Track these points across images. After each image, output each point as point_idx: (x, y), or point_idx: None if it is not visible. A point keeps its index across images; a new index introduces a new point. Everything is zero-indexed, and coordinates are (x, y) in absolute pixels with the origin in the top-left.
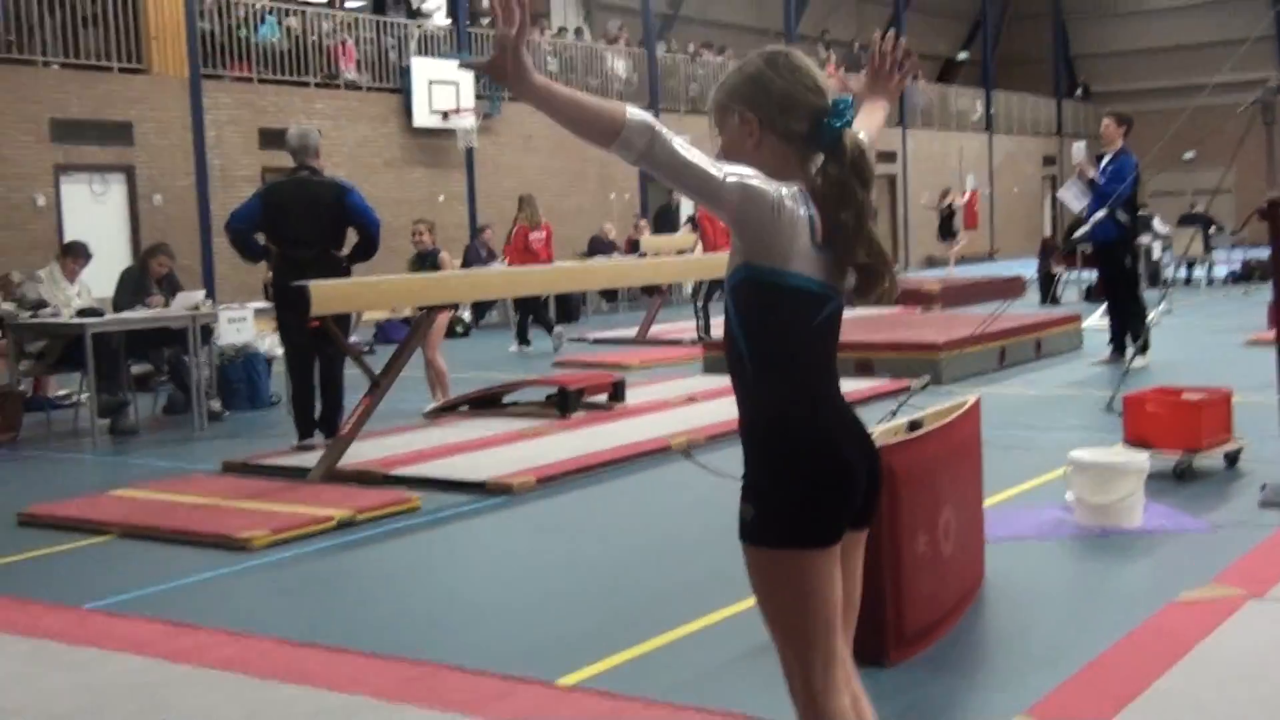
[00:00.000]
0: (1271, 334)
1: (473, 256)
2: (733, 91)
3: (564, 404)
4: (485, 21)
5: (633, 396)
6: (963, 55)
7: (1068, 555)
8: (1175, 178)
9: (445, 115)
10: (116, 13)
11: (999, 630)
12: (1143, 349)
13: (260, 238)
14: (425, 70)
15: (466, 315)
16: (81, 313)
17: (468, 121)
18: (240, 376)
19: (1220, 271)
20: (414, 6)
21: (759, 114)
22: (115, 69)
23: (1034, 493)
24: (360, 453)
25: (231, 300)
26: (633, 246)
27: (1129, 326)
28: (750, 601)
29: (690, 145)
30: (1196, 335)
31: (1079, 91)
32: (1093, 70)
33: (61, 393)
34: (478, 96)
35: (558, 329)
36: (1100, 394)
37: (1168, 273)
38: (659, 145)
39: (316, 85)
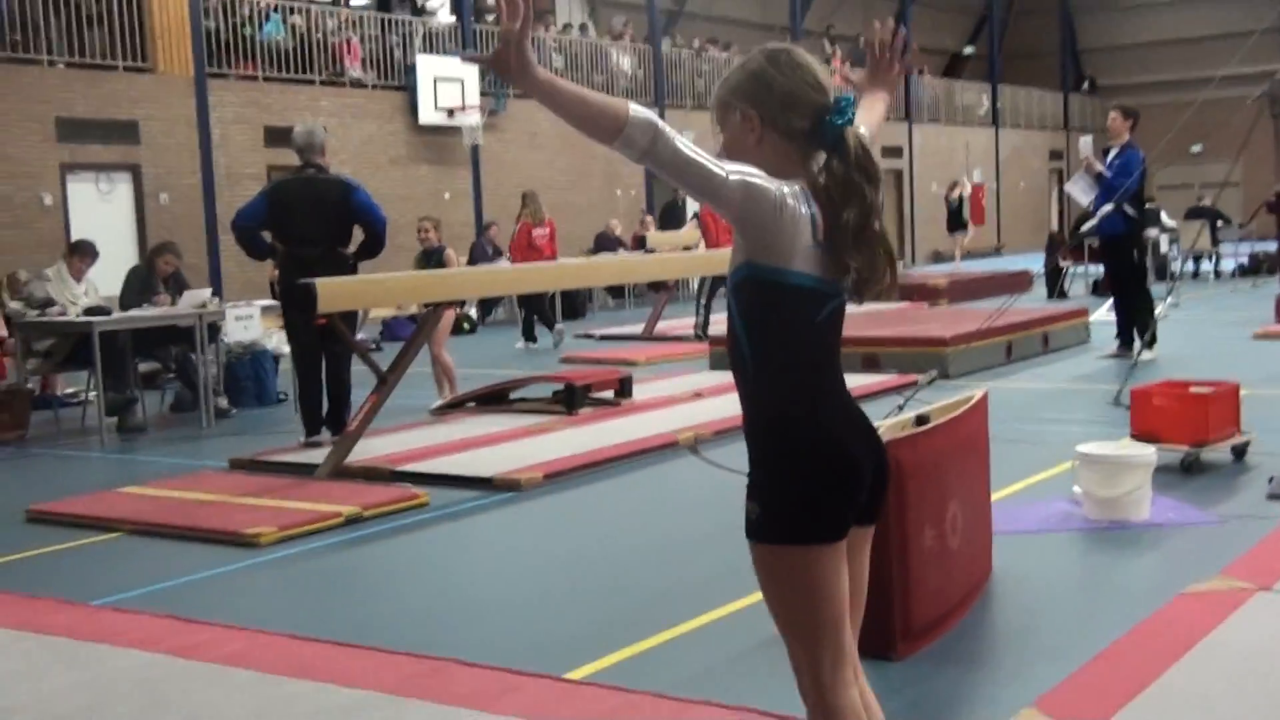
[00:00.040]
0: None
1: (479, 254)
2: (735, 89)
3: (571, 400)
4: (490, 18)
5: (639, 392)
6: (969, 49)
7: (1075, 549)
8: (1182, 171)
9: (450, 112)
10: (121, 12)
11: (1006, 623)
12: (1150, 343)
13: (266, 236)
14: (430, 67)
15: (473, 312)
16: (89, 311)
17: (473, 118)
18: (247, 374)
19: (1228, 265)
20: (419, 4)
21: (761, 111)
22: (120, 68)
23: (1041, 486)
24: (367, 449)
25: (238, 298)
26: (639, 243)
27: (1136, 320)
28: (757, 596)
29: (693, 143)
30: (1204, 329)
31: (1085, 85)
32: (1099, 64)
33: (69, 391)
34: (483, 93)
35: (559, 326)
36: (1107, 388)
37: (1175, 266)
38: (662, 143)
39: (322, 83)
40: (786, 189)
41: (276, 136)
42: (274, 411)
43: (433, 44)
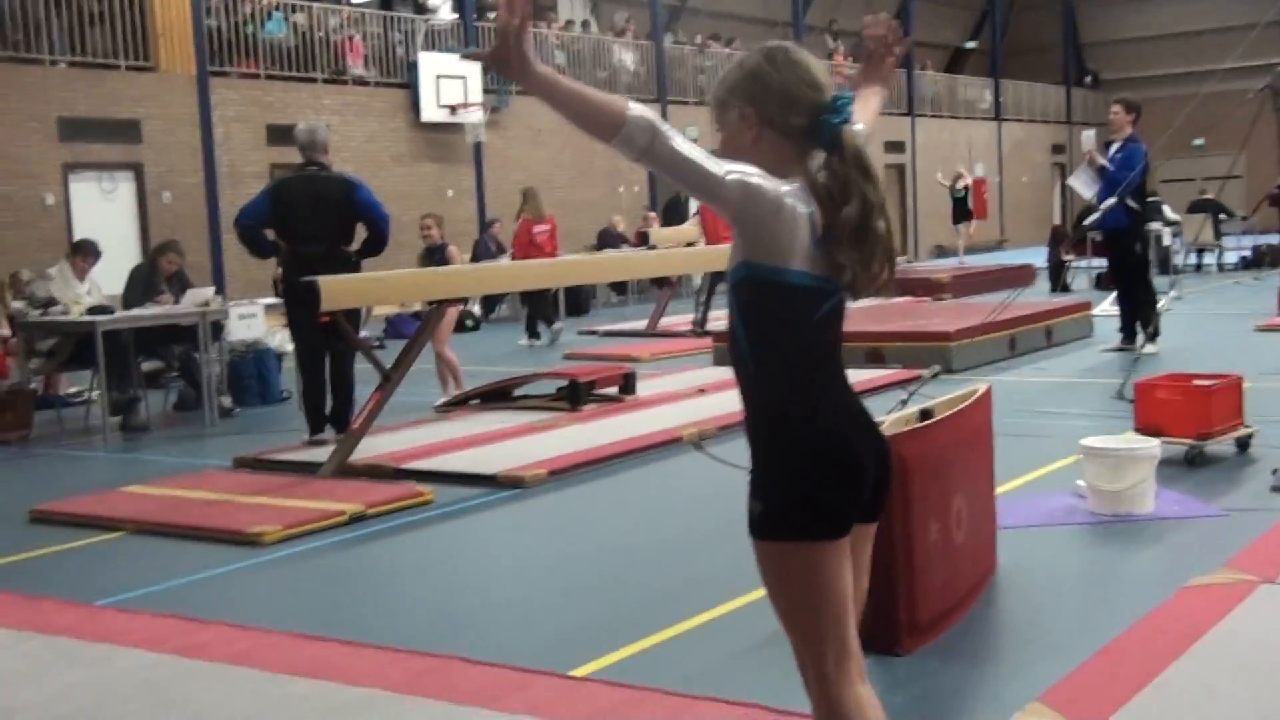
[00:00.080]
0: None
1: (482, 251)
2: (733, 87)
3: (575, 397)
4: (492, 15)
5: (643, 389)
6: (971, 44)
7: (1080, 542)
8: (1185, 164)
9: (453, 110)
10: (123, 11)
11: (1011, 618)
12: (1153, 336)
13: (269, 234)
14: (433, 65)
15: (476, 310)
16: (92, 310)
17: (475, 116)
18: (251, 372)
19: (1231, 258)
20: (421, 1)
21: (758, 110)
22: (122, 67)
23: (1045, 480)
24: (371, 447)
25: (241, 296)
26: (642, 239)
27: (1139, 314)
28: (762, 592)
29: (692, 143)
30: (1207, 321)
31: (1088, 79)
32: (1102, 58)
33: (72, 390)
34: (485, 90)
35: (557, 324)
36: (1111, 381)
37: (1178, 259)
38: (660, 142)
39: (324, 81)
40: (785, 188)
41: (279, 135)
42: (277, 410)
43: (435, 41)
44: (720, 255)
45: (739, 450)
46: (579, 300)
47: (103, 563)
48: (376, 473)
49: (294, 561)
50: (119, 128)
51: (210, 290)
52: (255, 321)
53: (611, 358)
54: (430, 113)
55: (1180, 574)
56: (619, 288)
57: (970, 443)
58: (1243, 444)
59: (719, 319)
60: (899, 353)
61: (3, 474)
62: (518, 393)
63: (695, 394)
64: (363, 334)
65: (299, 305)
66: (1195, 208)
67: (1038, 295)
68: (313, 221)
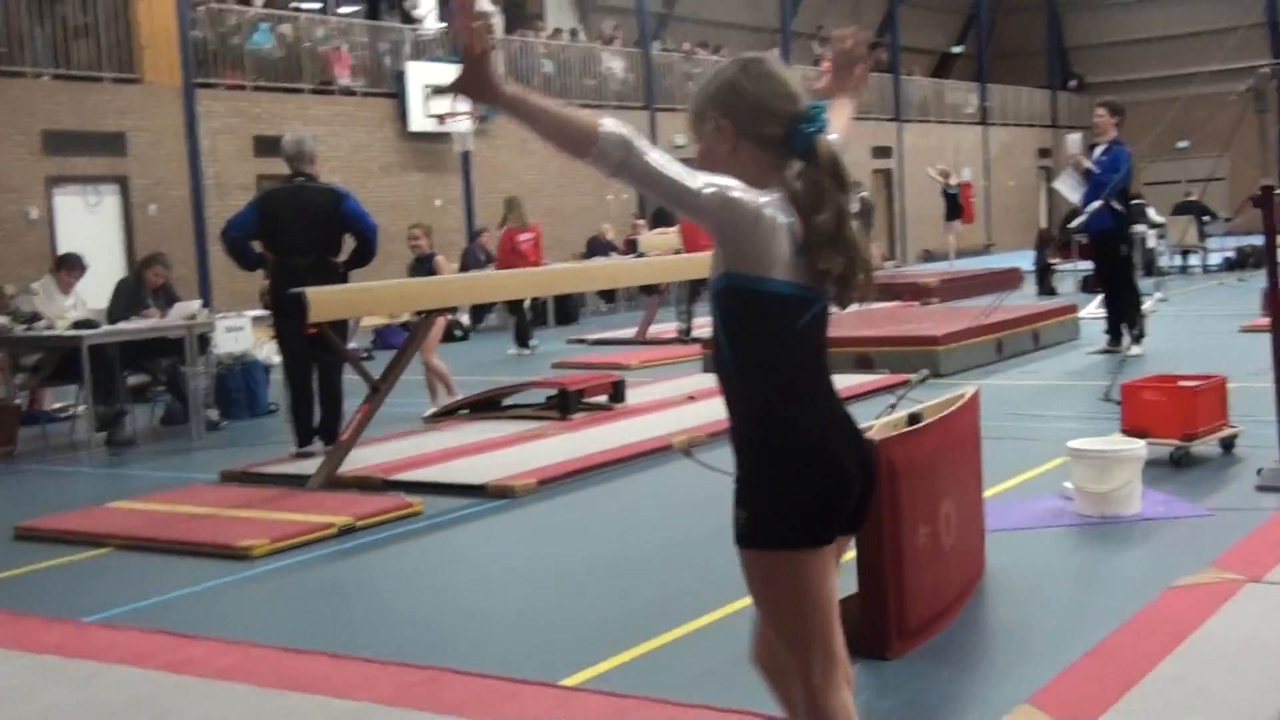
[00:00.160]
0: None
1: (470, 260)
2: (708, 99)
3: (564, 405)
4: (477, 25)
5: (633, 396)
6: (957, 49)
7: (1067, 544)
8: (1169, 167)
9: (441, 119)
10: (108, 23)
11: (1000, 620)
12: (1138, 338)
13: (257, 246)
14: (420, 75)
15: (465, 319)
16: (77, 325)
17: (463, 125)
18: (238, 385)
19: (1215, 259)
20: (408, 11)
21: (734, 121)
22: (107, 79)
23: (1033, 483)
24: (360, 459)
25: (228, 309)
26: (630, 247)
27: (1125, 315)
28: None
29: (668, 156)
30: (1192, 323)
31: (1073, 83)
32: (1086, 61)
33: (57, 406)
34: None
35: (533, 343)
36: (1097, 383)
37: (1163, 261)
38: (634, 157)
39: (311, 92)
40: (764, 199)
41: (266, 146)
42: (265, 422)
43: (422, 51)
44: (706, 262)
45: (729, 457)
46: (568, 309)
47: (89, 579)
48: (365, 484)
49: (283, 575)
50: (104, 140)
51: (197, 303)
52: (242, 334)
53: (601, 366)
54: (418, 122)
55: (1167, 574)
56: (608, 296)
57: (958, 446)
58: (1228, 444)
59: (704, 326)
60: (887, 357)
61: None
62: (507, 402)
63: (685, 401)
64: (351, 345)
65: (286, 317)
66: (1180, 210)
67: (1024, 298)
68: (300, 233)
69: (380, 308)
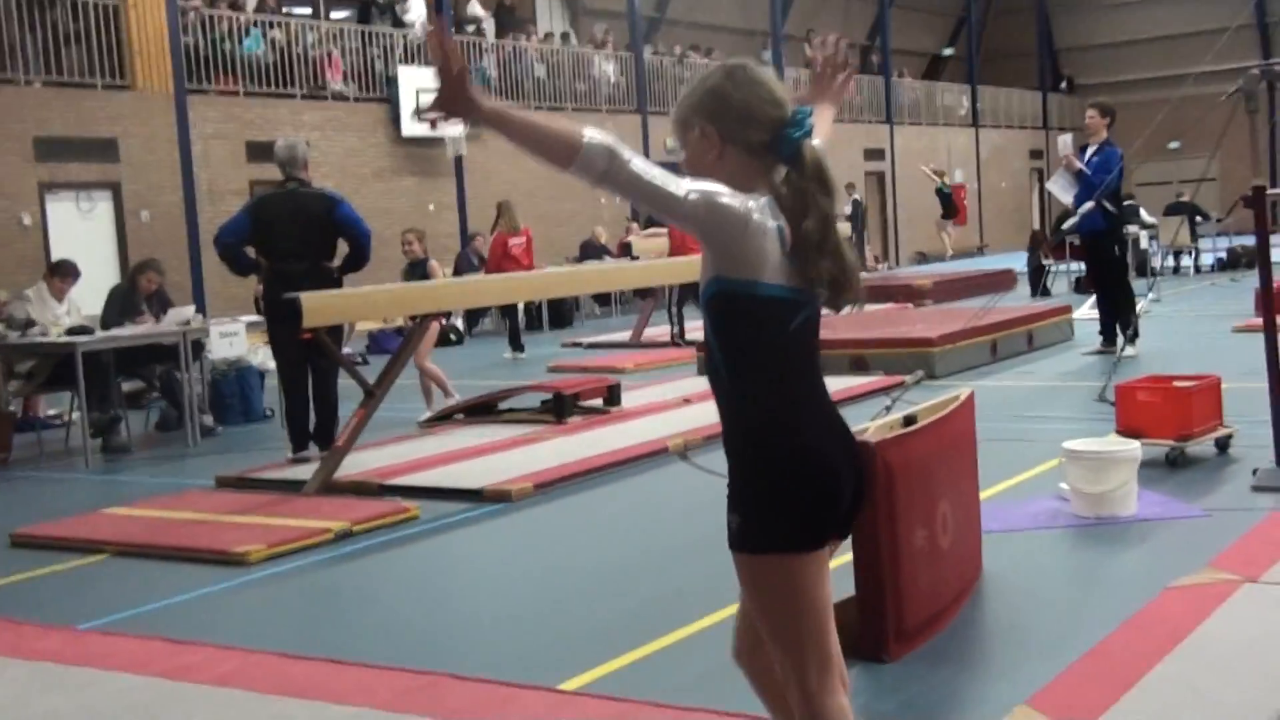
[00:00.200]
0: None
1: (464, 265)
2: (693, 106)
3: (560, 409)
4: (470, 29)
5: (628, 400)
6: (948, 51)
7: (1064, 545)
8: (1161, 168)
9: (433, 124)
10: (99, 29)
11: (998, 622)
12: (1132, 338)
13: (250, 251)
14: (412, 79)
15: (459, 324)
16: (71, 331)
17: (456, 129)
18: (233, 391)
19: (1207, 259)
20: (399, 16)
21: (719, 127)
22: (99, 86)
23: (1029, 484)
24: (356, 464)
25: (222, 314)
26: (624, 250)
27: (1119, 316)
28: None
29: (653, 164)
30: (1185, 323)
31: (1064, 84)
32: (1077, 63)
33: (52, 412)
34: None
35: (519, 354)
36: (1092, 384)
37: (1155, 262)
38: (618, 166)
39: (303, 97)
40: (753, 203)
41: (258, 151)
42: (260, 428)
43: (414, 56)
44: (698, 265)
45: (724, 460)
46: (562, 312)
47: (86, 586)
48: (361, 489)
49: (280, 580)
50: (96, 147)
51: (191, 309)
52: (237, 339)
53: (596, 369)
54: (411, 127)
55: (1164, 575)
56: (602, 299)
57: (954, 448)
58: (1222, 444)
59: (697, 328)
60: (882, 359)
61: None
62: (502, 406)
63: (680, 404)
64: (345, 350)
65: (281, 322)
66: (1171, 210)
67: (1018, 300)
68: (294, 238)
69: (374, 312)
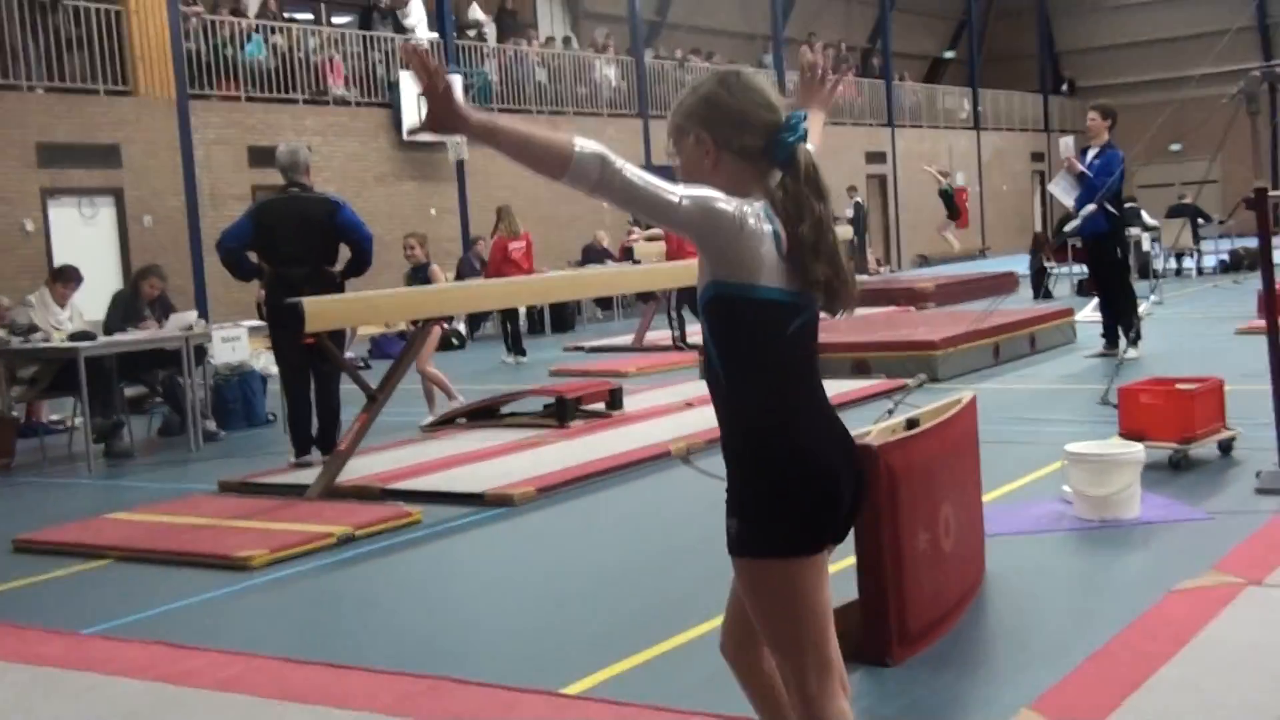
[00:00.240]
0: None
1: (466, 269)
2: (688, 113)
3: (562, 413)
4: (471, 34)
5: (630, 404)
6: (949, 54)
7: (1067, 548)
8: (1163, 170)
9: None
10: (101, 35)
11: (1001, 625)
12: (1135, 341)
13: (252, 256)
14: (414, 84)
15: (462, 328)
16: (74, 336)
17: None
18: (235, 396)
19: (1209, 261)
20: (401, 21)
21: (714, 134)
22: (101, 91)
23: (1032, 487)
24: (358, 468)
25: (225, 319)
26: (626, 254)
27: (1121, 319)
28: None
29: (644, 171)
30: (1188, 325)
31: (1065, 87)
32: (1078, 65)
33: (54, 418)
34: None
35: (521, 359)
36: (1094, 387)
37: (1157, 264)
38: (611, 173)
39: (305, 102)
40: (747, 208)
41: (260, 156)
42: (263, 433)
43: None
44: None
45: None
46: (564, 316)
47: (88, 591)
48: (364, 494)
49: (282, 585)
50: (98, 152)
51: (193, 314)
52: (239, 344)
53: (598, 373)
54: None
55: (1167, 578)
56: (604, 303)
57: (957, 451)
58: (1226, 447)
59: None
60: (884, 363)
61: None
62: (504, 410)
63: (682, 408)
64: (348, 355)
65: (283, 327)
66: (1173, 213)
67: (1020, 302)
68: (296, 243)
69: (377, 317)
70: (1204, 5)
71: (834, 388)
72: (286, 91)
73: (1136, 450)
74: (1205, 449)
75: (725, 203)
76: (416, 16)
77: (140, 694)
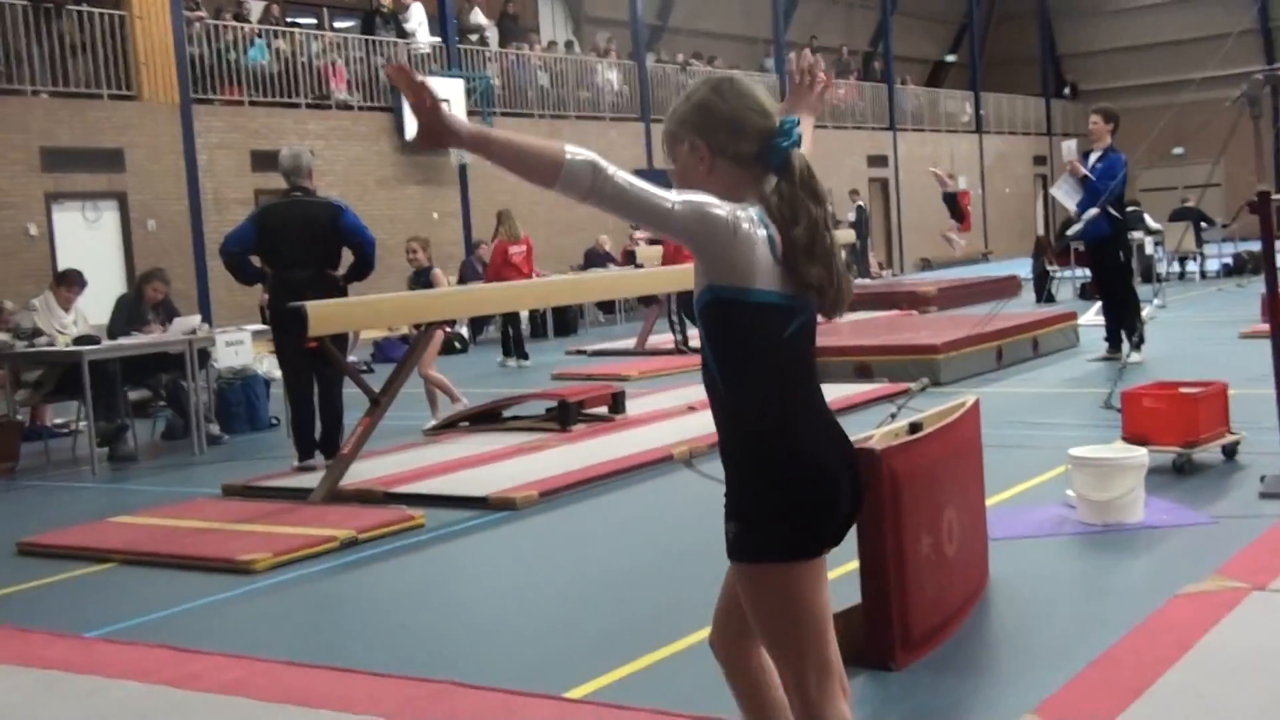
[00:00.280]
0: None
1: (469, 273)
2: (682, 120)
3: (564, 417)
4: (474, 38)
5: (633, 407)
6: (951, 57)
7: (1071, 553)
8: (1166, 173)
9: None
10: (105, 40)
11: (1005, 630)
12: (1138, 344)
13: (255, 260)
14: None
15: (464, 331)
16: (78, 340)
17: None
18: (239, 399)
19: (1213, 265)
20: (403, 25)
21: (708, 140)
22: (105, 96)
23: (1035, 491)
24: (361, 472)
25: (228, 323)
26: (628, 258)
27: (1124, 322)
28: None
29: (636, 178)
30: (1191, 329)
31: (1067, 90)
32: (1080, 69)
33: (59, 421)
34: (470, 113)
35: (522, 363)
36: (1098, 391)
37: (1160, 268)
38: (603, 180)
39: (307, 106)
40: (741, 212)
41: (263, 160)
42: (266, 436)
43: (417, 65)
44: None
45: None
46: (567, 320)
47: (92, 594)
48: (367, 498)
49: (286, 589)
50: (102, 157)
51: (197, 318)
52: (242, 348)
53: (600, 377)
54: (414, 135)
55: (1171, 582)
56: (606, 307)
57: (960, 455)
58: (1230, 451)
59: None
60: (887, 366)
61: None
62: (507, 414)
63: (685, 411)
64: (350, 358)
65: (286, 331)
66: (1177, 216)
67: (1023, 306)
68: (298, 247)
69: (379, 321)
70: (1206, 8)
71: (837, 391)
72: (289, 96)
73: (1140, 454)
74: (1209, 453)
75: (718, 207)
76: (418, 21)
77: (143, 697)
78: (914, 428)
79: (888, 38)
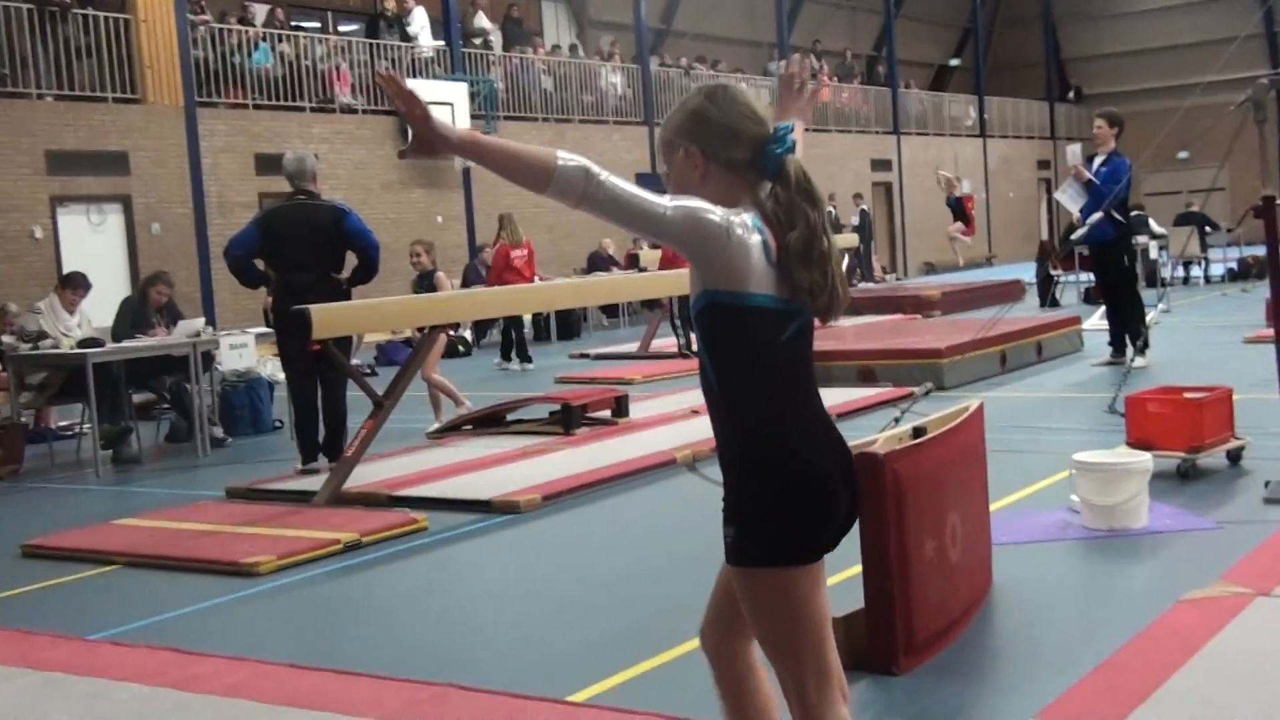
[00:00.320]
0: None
1: (472, 276)
2: (676, 128)
3: (568, 420)
4: (477, 41)
5: (636, 411)
6: (955, 61)
7: (1075, 557)
8: (1170, 177)
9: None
10: (110, 44)
11: (1008, 634)
12: (1142, 349)
13: (259, 264)
14: (420, 92)
15: (468, 335)
16: (82, 343)
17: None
18: (243, 402)
19: (1217, 270)
20: (406, 29)
21: (702, 147)
22: (110, 99)
23: (1039, 496)
24: (365, 475)
25: (232, 326)
26: (631, 261)
27: (1128, 327)
28: None
29: (629, 183)
30: (1196, 334)
31: (1071, 94)
32: (1084, 73)
33: (63, 424)
34: (473, 116)
35: (525, 366)
36: (1102, 395)
37: (1165, 272)
38: (595, 186)
39: (312, 110)
40: (734, 217)
41: (267, 164)
42: (270, 439)
43: (421, 69)
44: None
45: None
46: (570, 324)
47: (96, 596)
48: (371, 501)
49: (289, 591)
50: (107, 160)
51: (201, 321)
52: (246, 351)
53: (604, 381)
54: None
55: (1175, 587)
56: (610, 310)
57: (964, 460)
58: (1234, 456)
59: None
60: (890, 371)
61: None
62: (510, 418)
63: (688, 415)
64: (354, 361)
65: (290, 334)
66: (1181, 220)
67: (1027, 310)
68: (302, 250)
69: (383, 324)
70: (1211, 12)
71: (840, 395)
72: (293, 99)
73: (1144, 459)
74: (1213, 458)
75: (712, 212)
76: (421, 24)
77: (147, 699)
78: (918, 432)
79: (891, 42)
